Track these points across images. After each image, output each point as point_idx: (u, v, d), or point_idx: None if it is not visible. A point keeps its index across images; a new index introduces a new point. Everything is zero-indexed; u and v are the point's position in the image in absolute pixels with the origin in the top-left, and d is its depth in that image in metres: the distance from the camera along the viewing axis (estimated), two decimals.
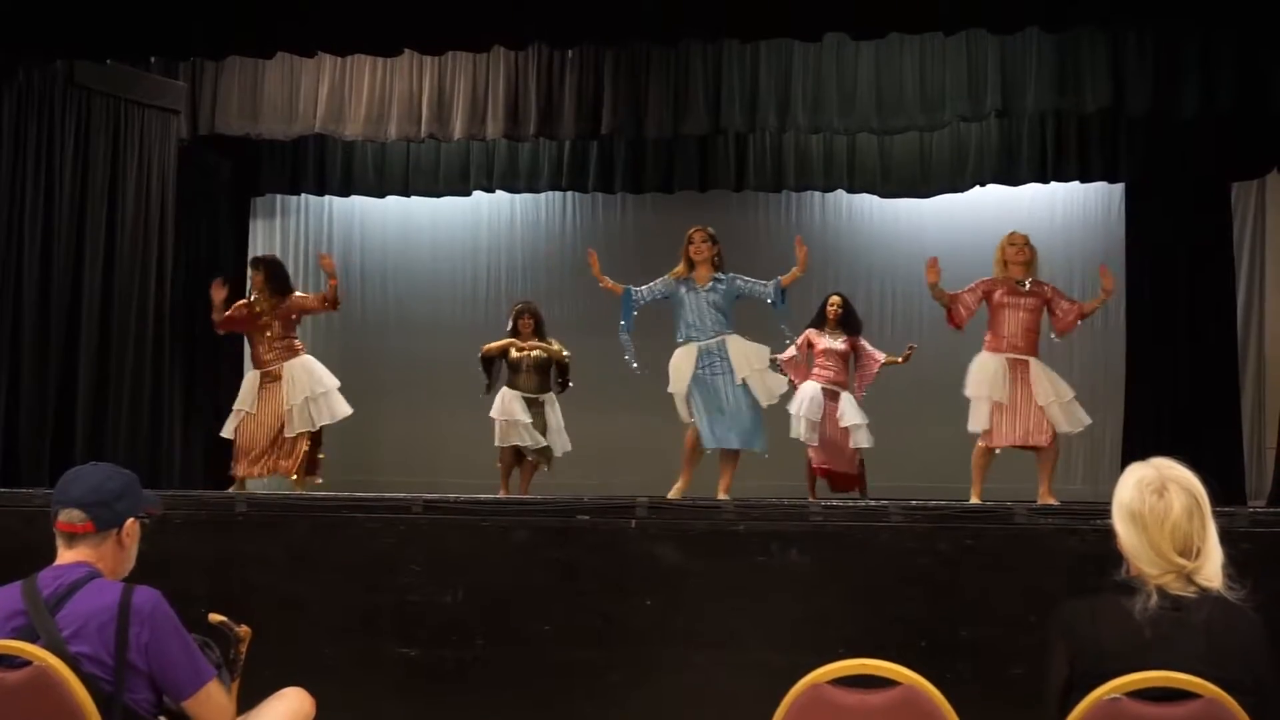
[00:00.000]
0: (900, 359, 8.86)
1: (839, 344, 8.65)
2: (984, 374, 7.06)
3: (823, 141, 10.30)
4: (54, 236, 8.61)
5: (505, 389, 8.86)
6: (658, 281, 7.22)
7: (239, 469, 7.91)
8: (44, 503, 5.16)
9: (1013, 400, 7.00)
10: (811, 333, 8.68)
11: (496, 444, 8.83)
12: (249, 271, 8.30)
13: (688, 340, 7.11)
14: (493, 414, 8.81)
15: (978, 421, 7.06)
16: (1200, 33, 8.39)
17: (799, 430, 8.48)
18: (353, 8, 7.97)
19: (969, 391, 7.11)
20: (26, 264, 8.45)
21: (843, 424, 8.55)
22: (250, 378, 8.08)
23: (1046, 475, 7.03)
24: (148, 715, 2.93)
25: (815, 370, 8.65)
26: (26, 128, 8.50)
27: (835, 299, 8.77)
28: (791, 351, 8.50)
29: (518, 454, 8.87)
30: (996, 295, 7.09)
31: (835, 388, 8.61)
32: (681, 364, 7.09)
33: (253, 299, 7.98)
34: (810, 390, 8.53)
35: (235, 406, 8.02)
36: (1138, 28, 8.46)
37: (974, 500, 6.92)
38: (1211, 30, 8.33)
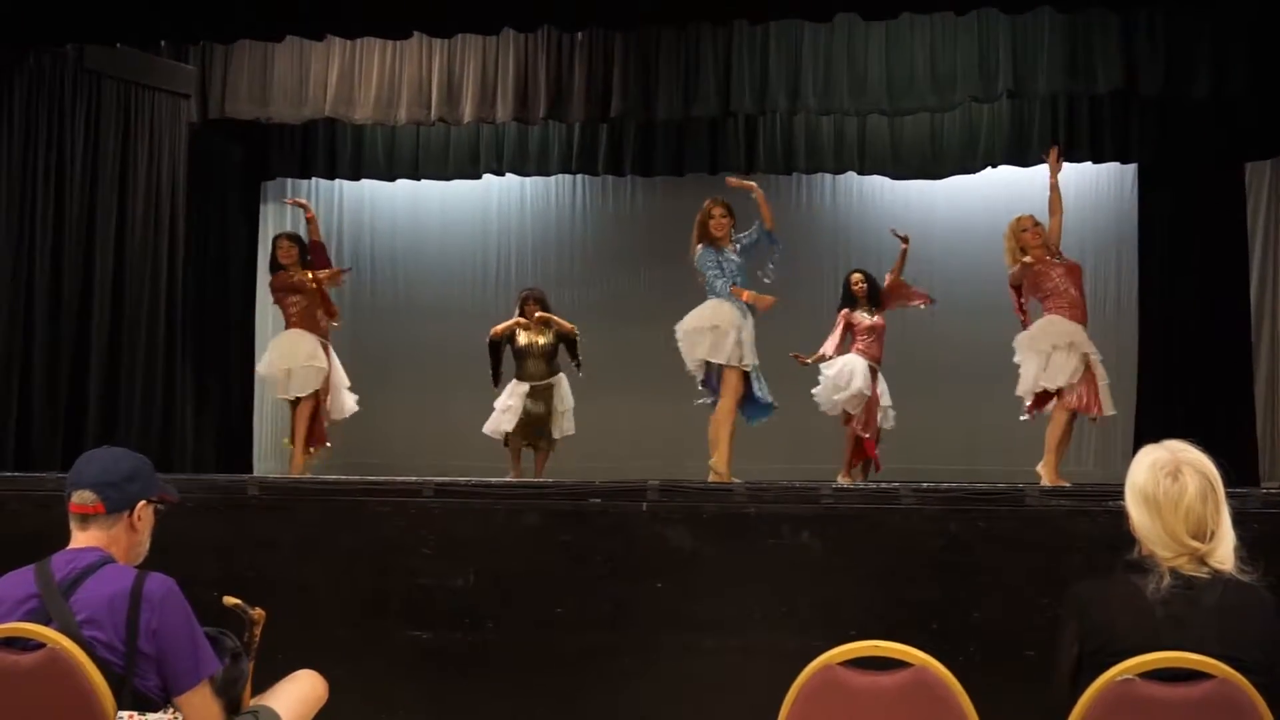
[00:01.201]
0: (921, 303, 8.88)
1: (876, 319, 8.68)
2: (1063, 331, 6.92)
3: (833, 123, 10.27)
4: (65, 221, 8.63)
5: (514, 381, 8.84)
6: (710, 262, 7.08)
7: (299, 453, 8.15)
8: (57, 487, 5.16)
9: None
10: (848, 313, 8.67)
11: (485, 430, 8.83)
12: (283, 243, 8.32)
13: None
14: (497, 404, 8.82)
15: (1063, 375, 6.87)
16: (1212, 12, 8.34)
17: (840, 403, 8.50)
18: None
19: (1046, 345, 6.91)
20: (38, 249, 8.48)
21: (883, 403, 8.61)
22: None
23: (1063, 453, 7.01)
24: (159, 699, 2.94)
25: (857, 347, 8.63)
26: (37, 112, 8.52)
27: (857, 275, 8.77)
28: (835, 339, 8.55)
29: (525, 436, 8.86)
30: (1050, 274, 7.05)
31: (877, 365, 8.65)
32: (735, 315, 6.98)
33: (289, 270, 8.22)
34: (860, 365, 8.54)
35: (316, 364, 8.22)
36: (1149, 7, 8.41)
37: (1054, 482, 6.79)
38: (1223, 9, 8.28)
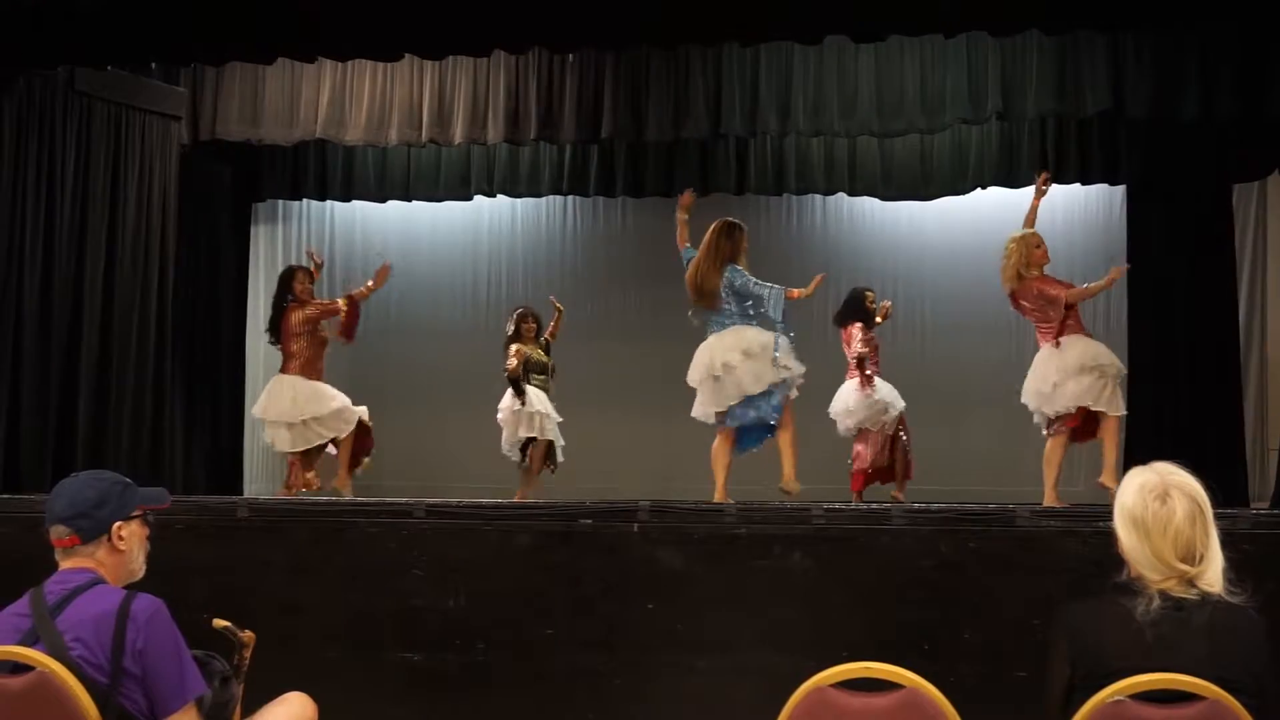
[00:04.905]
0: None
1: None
2: (1101, 349, 7.05)
3: (823, 144, 10.28)
4: (55, 244, 8.60)
5: (528, 389, 8.78)
6: (749, 279, 7.01)
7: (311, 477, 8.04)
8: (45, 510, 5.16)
9: None
10: (865, 329, 8.64)
11: (524, 434, 8.67)
12: (302, 275, 8.31)
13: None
14: (514, 408, 8.68)
15: (1118, 404, 7.04)
16: (1200, 35, 8.39)
17: (879, 420, 8.55)
18: (353, 13, 7.97)
19: (1113, 365, 7.05)
20: (28, 271, 8.45)
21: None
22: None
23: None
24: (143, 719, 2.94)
25: (875, 368, 8.64)
26: (27, 135, 8.50)
27: (871, 294, 8.76)
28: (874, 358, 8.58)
29: (547, 451, 8.78)
30: (1065, 292, 7.11)
31: None
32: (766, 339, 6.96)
33: (305, 303, 8.15)
34: (889, 386, 8.61)
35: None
36: (1137, 30, 8.45)
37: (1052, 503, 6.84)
38: (1211, 32, 8.32)
